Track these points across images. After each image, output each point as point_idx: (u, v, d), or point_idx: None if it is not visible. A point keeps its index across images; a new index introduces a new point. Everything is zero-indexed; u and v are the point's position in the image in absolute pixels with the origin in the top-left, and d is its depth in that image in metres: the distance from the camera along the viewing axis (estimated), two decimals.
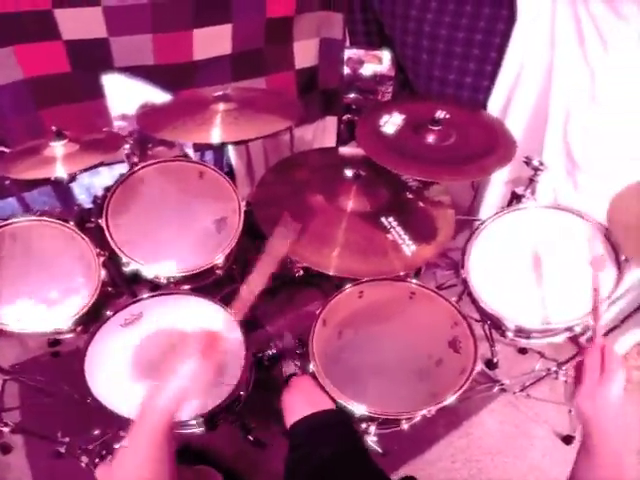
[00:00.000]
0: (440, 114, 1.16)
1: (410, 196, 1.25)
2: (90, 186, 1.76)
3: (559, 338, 1.16)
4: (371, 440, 1.14)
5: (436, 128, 1.14)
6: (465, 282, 1.15)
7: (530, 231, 1.19)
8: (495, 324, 1.20)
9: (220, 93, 1.27)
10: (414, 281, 1.15)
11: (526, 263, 1.18)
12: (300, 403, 1.00)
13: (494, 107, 1.58)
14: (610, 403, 0.71)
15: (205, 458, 1.43)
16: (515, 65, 1.47)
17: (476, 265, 1.16)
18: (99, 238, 1.18)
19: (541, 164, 1.24)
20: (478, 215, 1.71)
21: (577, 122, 1.37)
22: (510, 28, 1.42)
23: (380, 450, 1.21)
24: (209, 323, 1.12)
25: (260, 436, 1.37)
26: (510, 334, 1.14)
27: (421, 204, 1.23)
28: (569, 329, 1.11)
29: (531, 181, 1.28)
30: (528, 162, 1.25)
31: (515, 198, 1.29)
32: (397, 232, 1.12)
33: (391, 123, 1.21)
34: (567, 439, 1.49)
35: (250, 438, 1.35)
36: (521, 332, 1.15)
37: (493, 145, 1.13)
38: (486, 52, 1.54)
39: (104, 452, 1.27)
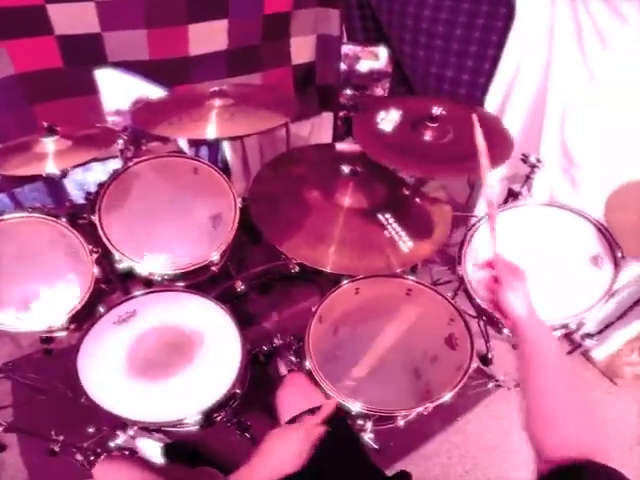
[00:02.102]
0: (437, 110, 1.15)
1: (407, 192, 1.24)
2: (83, 182, 1.73)
3: (554, 334, 1.16)
4: (367, 436, 1.14)
5: (433, 125, 1.14)
6: (462, 279, 1.15)
7: (527, 228, 1.19)
8: (491, 320, 1.20)
9: (216, 89, 1.26)
10: (411, 278, 1.14)
11: (523, 260, 1.16)
12: (295, 400, 0.99)
13: (491, 104, 1.58)
14: (529, 296, 0.76)
15: (200, 456, 1.42)
16: (513, 63, 1.47)
17: (473, 262, 1.16)
18: (92, 235, 1.16)
19: (538, 161, 1.24)
20: (475, 211, 1.70)
21: (574, 120, 1.37)
22: (508, 26, 1.42)
23: (376, 446, 1.21)
24: (202, 320, 1.12)
25: (255, 433, 1.36)
26: (506, 330, 1.15)
27: (418, 200, 1.23)
28: (565, 326, 1.12)
29: (528, 178, 1.28)
30: (525, 159, 1.25)
31: (512, 195, 1.29)
32: (394, 228, 1.11)
33: (388, 120, 1.20)
34: None
35: (247, 435, 1.34)
36: None
37: (490, 143, 1.12)
38: (484, 49, 1.53)
39: (99, 450, 1.26)
